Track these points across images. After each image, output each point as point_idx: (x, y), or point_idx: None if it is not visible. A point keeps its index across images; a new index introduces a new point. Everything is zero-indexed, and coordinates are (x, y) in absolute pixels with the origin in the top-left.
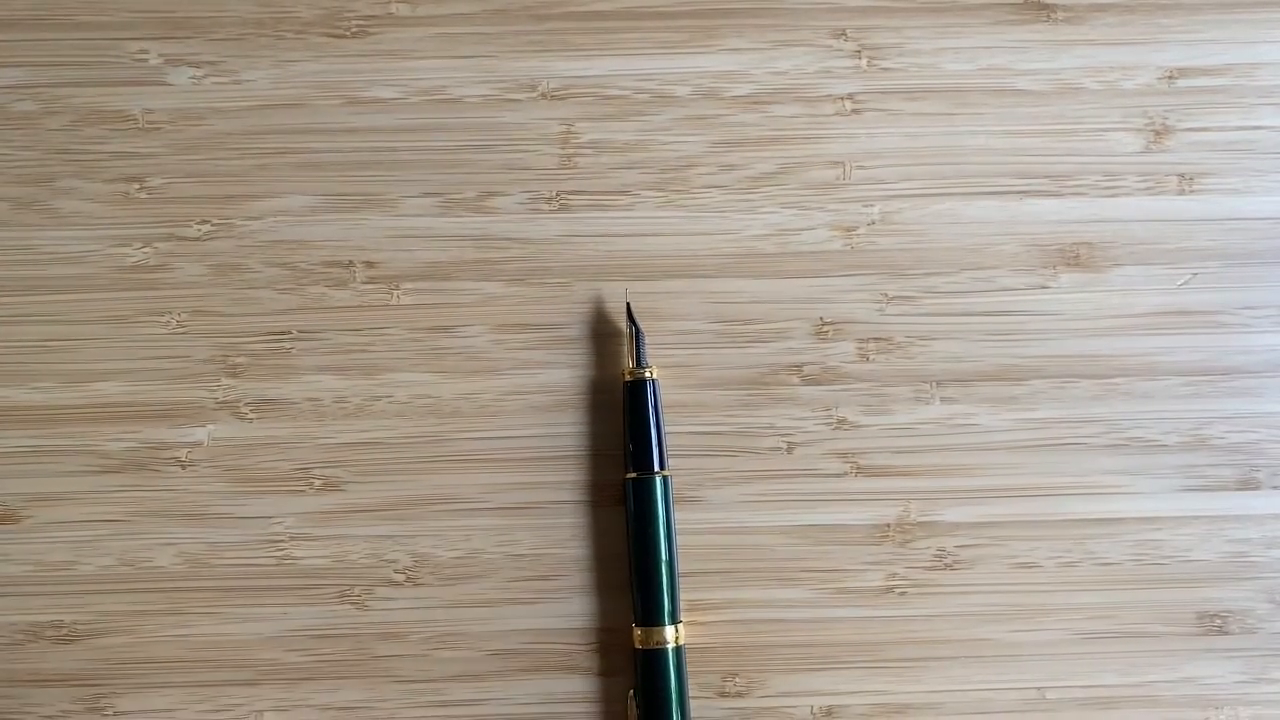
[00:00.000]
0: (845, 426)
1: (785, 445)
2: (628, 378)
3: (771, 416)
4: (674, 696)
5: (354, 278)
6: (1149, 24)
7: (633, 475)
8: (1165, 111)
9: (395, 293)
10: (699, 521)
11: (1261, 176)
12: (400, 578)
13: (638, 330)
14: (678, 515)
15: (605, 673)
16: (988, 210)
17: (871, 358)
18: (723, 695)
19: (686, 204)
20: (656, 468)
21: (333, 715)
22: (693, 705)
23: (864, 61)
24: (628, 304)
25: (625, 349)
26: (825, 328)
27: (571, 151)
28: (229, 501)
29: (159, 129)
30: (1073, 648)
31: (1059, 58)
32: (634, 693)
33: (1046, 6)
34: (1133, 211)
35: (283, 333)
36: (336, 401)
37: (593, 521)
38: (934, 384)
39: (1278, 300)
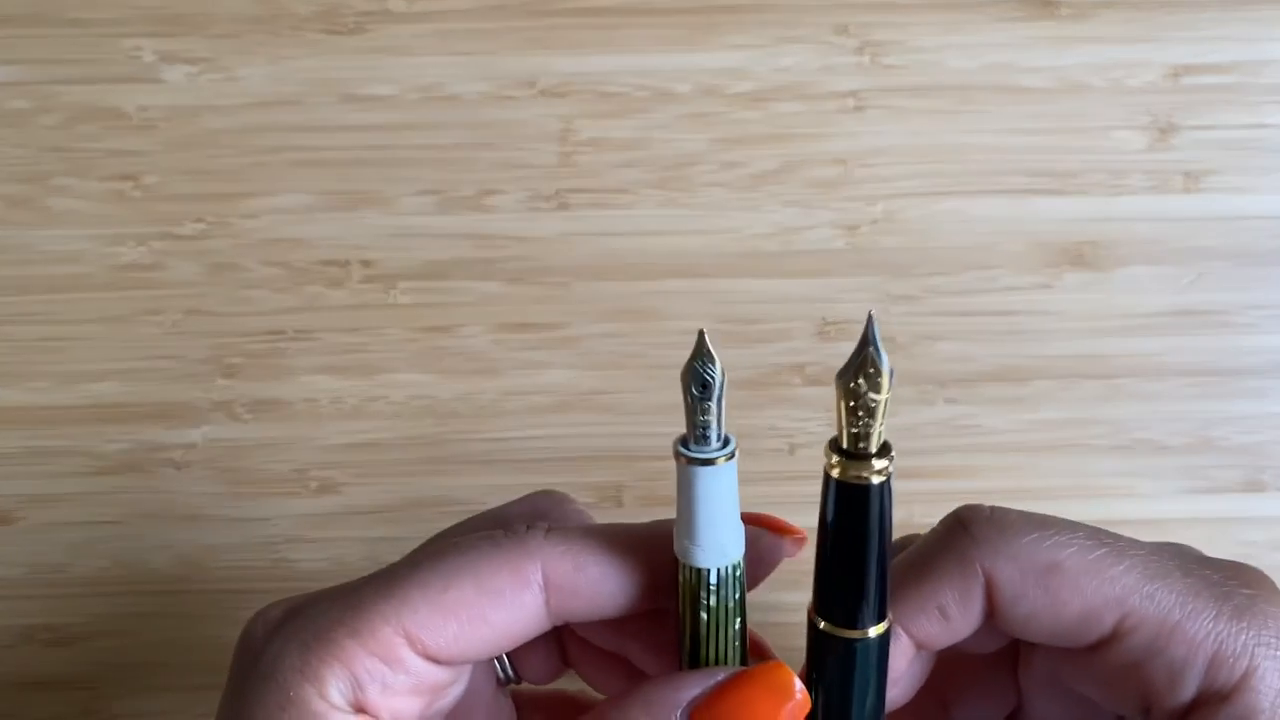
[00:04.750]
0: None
1: (787, 446)
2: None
3: (773, 418)
4: None
5: (350, 277)
6: (1154, 21)
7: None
8: (1170, 109)
9: (392, 292)
10: None
11: (1267, 175)
12: None
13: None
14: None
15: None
16: (991, 209)
17: None
18: None
19: (687, 202)
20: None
21: None
22: None
23: (867, 58)
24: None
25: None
26: (828, 327)
27: (571, 149)
28: (224, 503)
29: (153, 126)
30: None
31: (1064, 55)
32: None
33: (1051, 4)
34: (1138, 210)
35: (278, 332)
36: (333, 402)
37: None
38: (938, 385)
39: None
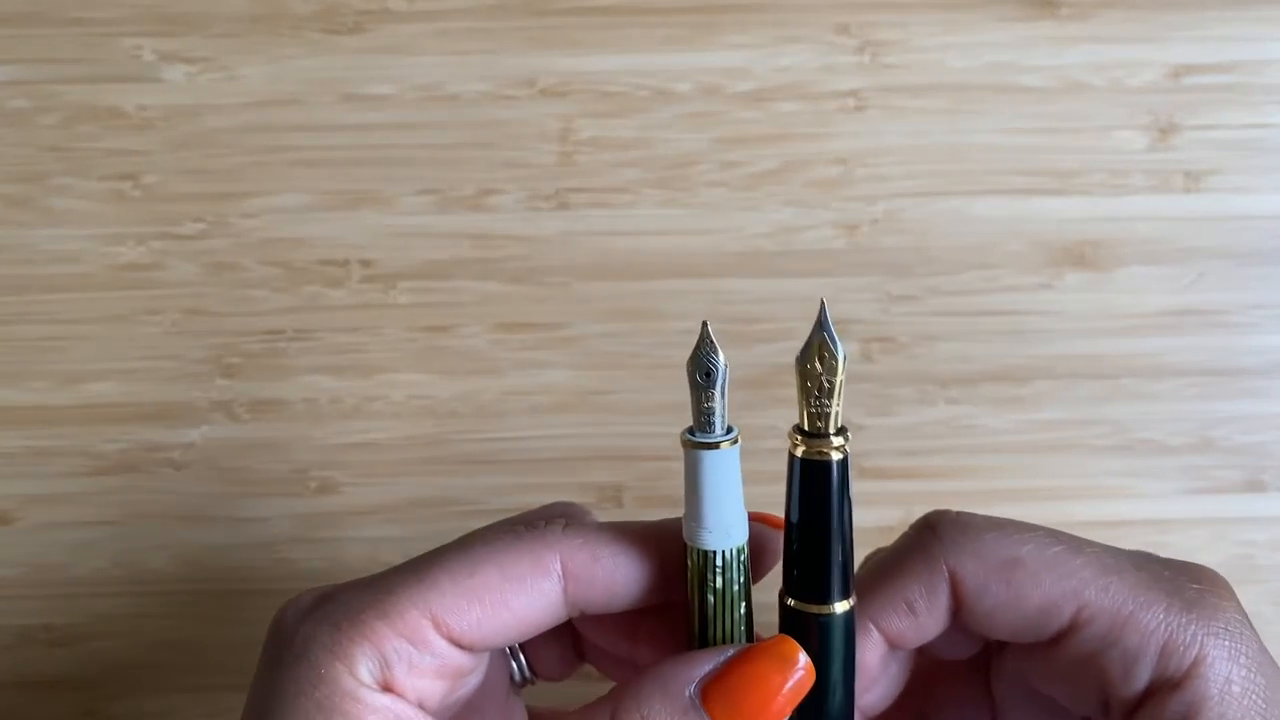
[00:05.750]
0: (848, 428)
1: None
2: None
3: (774, 418)
4: None
5: (350, 276)
6: (1155, 21)
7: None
8: (1171, 109)
9: (392, 292)
10: None
11: (1268, 174)
12: None
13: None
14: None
15: (602, 676)
16: (992, 209)
17: (875, 358)
18: None
19: (687, 202)
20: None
21: None
22: None
23: (867, 57)
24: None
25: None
26: None
27: (571, 149)
28: (224, 503)
29: (153, 126)
30: None
31: (1064, 54)
32: None
33: (1051, 3)
34: (1138, 210)
35: (278, 332)
36: (332, 402)
37: None
38: (938, 385)
39: None
